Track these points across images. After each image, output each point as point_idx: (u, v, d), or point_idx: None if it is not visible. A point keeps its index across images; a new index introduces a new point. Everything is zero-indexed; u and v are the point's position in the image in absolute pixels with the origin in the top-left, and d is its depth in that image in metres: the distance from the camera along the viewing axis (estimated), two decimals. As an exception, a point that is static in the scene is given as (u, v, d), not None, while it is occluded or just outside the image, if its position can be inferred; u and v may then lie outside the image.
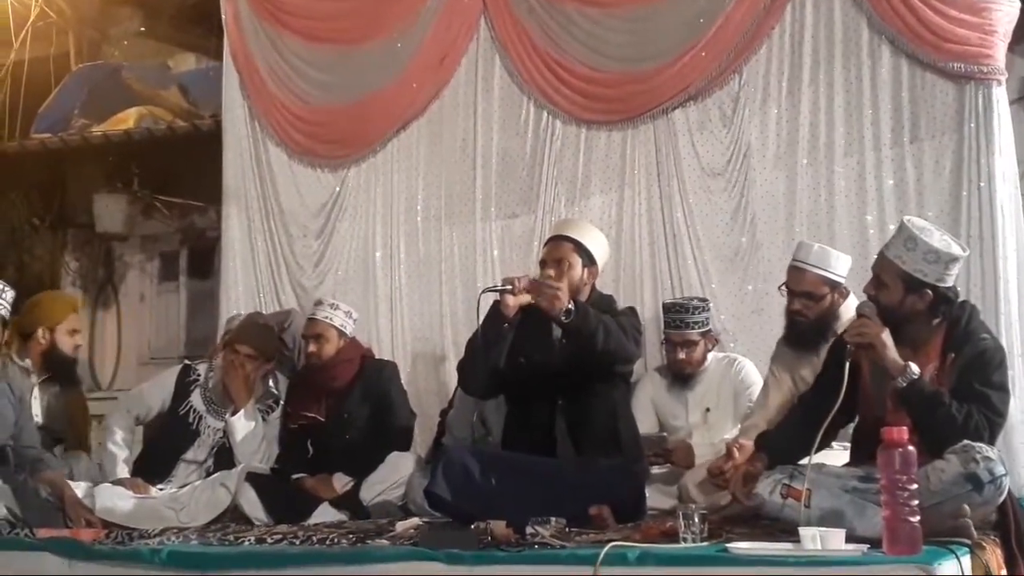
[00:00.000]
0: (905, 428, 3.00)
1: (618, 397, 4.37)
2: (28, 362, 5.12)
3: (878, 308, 3.52)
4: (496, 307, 4.12)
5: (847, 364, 3.44)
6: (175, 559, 3.49)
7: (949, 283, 3.53)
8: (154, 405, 5.12)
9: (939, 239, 3.52)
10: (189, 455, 4.98)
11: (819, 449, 3.47)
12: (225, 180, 6.36)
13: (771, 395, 4.39)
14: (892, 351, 3.43)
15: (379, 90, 6.02)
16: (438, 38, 5.89)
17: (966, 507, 3.19)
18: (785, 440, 3.65)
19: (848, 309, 4.22)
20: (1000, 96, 4.82)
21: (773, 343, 4.58)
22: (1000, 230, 4.73)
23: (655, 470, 4.57)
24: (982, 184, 4.78)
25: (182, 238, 7.99)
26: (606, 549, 3.03)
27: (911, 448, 2.96)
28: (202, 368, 5.17)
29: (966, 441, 3.30)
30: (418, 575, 3.22)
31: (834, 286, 4.26)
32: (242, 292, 6.20)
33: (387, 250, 5.98)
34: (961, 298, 3.67)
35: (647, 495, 4.19)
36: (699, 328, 4.73)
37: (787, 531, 3.24)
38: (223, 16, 6.47)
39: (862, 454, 3.54)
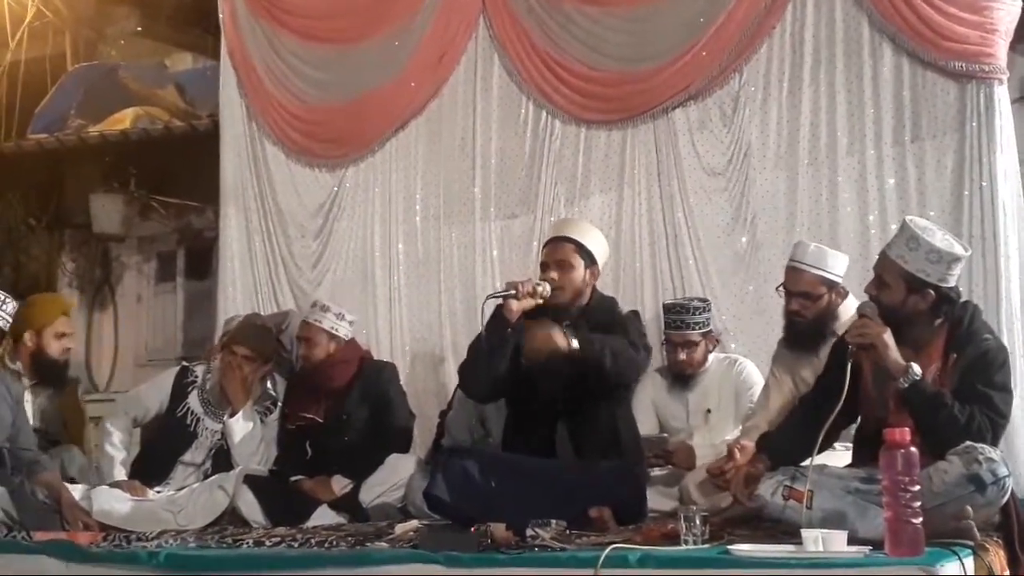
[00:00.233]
0: (907, 429, 2.99)
1: (619, 399, 4.35)
2: (19, 365, 5.09)
3: (880, 308, 3.50)
4: (499, 312, 4.09)
5: (848, 365, 3.42)
6: (173, 562, 3.47)
7: (951, 283, 3.51)
8: (152, 407, 5.11)
9: (941, 239, 3.51)
10: (187, 457, 4.97)
11: (821, 450, 3.46)
12: (223, 180, 6.34)
13: (772, 396, 4.38)
14: (894, 352, 3.41)
15: (377, 89, 6.01)
16: (436, 37, 5.88)
17: (969, 509, 3.17)
18: (787, 441, 3.64)
19: (847, 309, 4.21)
20: (1002, 95, 4.81)
21: (774, 343, 4.56)
22: (1002, 229, 4.72)
23: (656, 472, 4.56)
24: (984, 183, 4.77)
25: (179, 238, 7.97)
26: (607, 551, 3.02)
27: (913, 449, 2.94)
28: (200, 370, 5.15)
29: (968, 442, 3.29)
30: (417, 577, 3.21)
31: (831, 286, 4.25)
32: (240, 293, 6.19)
33: (386, 250, 5.97)
34: (963, 298, 3.65)
35: (648, 497, 4.17)
36: (700, 329, 4.71)
37: (789, 533, 3.23)
38: (220, 15, 6.46)
39: (864, 455, 3.53)
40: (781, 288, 4.32)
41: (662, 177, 5.41)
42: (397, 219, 5.97)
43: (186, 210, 7.76)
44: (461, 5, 5.84)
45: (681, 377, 4.78)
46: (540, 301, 4.12)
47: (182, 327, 7.96)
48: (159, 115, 7.64)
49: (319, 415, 4.99)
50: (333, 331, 4.99)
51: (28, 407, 4.98)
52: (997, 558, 3.23)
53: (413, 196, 5.96)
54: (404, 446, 4.97)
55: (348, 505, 4.67)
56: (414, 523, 4.04)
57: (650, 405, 4.83)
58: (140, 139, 7.52)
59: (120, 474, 4.87)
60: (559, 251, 4.29)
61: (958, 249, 3.52)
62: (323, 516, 4.58)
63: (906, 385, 3.37)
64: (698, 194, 5.33)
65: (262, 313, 5.85)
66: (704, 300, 4.86)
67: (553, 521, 3.65)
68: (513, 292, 4.06)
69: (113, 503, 4.59)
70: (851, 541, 3.01)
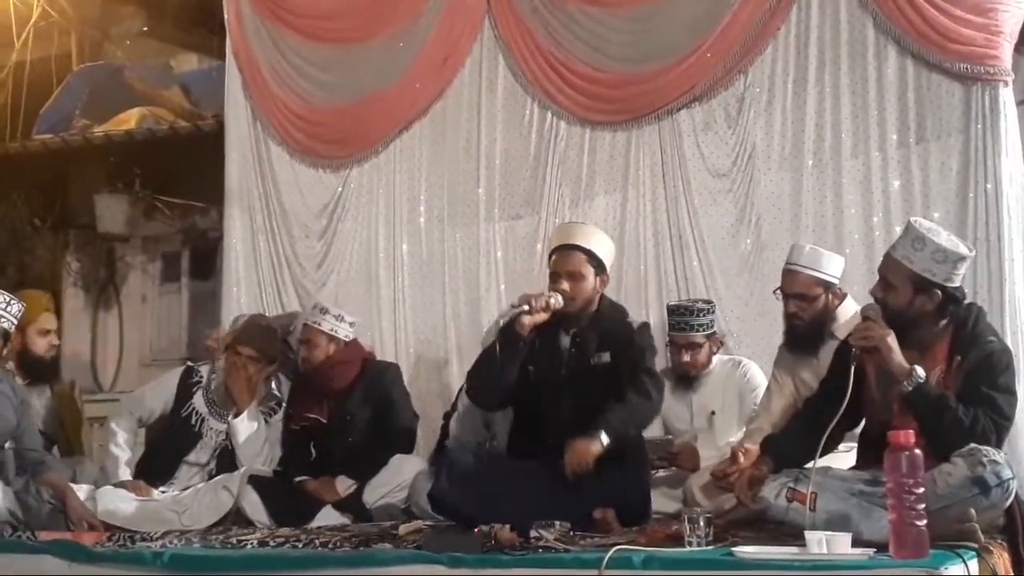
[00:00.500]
0: (912, 432, 2.99)
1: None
2: (11, 365, 5.08)
3: (885, 310, 3.50)
4: (512, 327, 4.03)
5: (852, 368, 3.42)
6: (177, 562, 3.48)
7: (957, 283, 3.51)
8: (156, 407, 5.11)
9: (947, 238, 3.52)
10: (191, 457, 4.97)
11: (824, 453, 3.45)
12: (227, 180, 6.35)
13: (774, 399, 4.39)
14: (898, 355, 3.40)
15: (382, 90, 6.01)
16: (441, 38, 5.88)
17: (973, 511, 3.17)
18: (790, 444, 3.63)
19: (845, 310, 4.23)
20: (1007, 97, 4.80)
21: (778, 345, 4.55)
22: (1007, 232, 4.71)
23: (660, 473, 4.56)
24: (989, 186, 4.77)
25: (184, 239, 7.98)
26: (611, 553, 3.02)
27: (918, 451, 2.94)
28: (205, 370, 5.16)
29: (973, 445, 3.29)
30: (421, 579, 3.21)
31: (827, 286, 4.26)
32: (244, 293, 6.19)
33: (390, 251, 5.97)
34: (968, 300, 3.65)
35: (652, 498, 4.17)
36: (704, 330, 4.71)
37: (793, 535, 3.23)
38: (225, 16, 6.46)
39: (869, 457, 3.53)
40: (778, 291, 4.33)
41: (667, 178, 5.41)
42: (401, 220, 5.97)
43: (191, 210, 7.76)
44: (466, 6, 5.84)
45: (685, 379, 4.78)
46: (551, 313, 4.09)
47: (187, 327, 7.96)
48: (164, 115, 7.65)
49: (322, 415, 4.99)
50: (332, 333, 4.98)
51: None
52: (1001, 560, 3.23)
53: (417, 197, 5.96)
54: (408, 447, 4.97)
55: (352, 506, 4.68)
56: (418, 524, 4.05)
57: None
58: (145, 139, 7.52)
59: (125, 474, 4.88)
60: (570, 261, 4.18)
61: (963, 249, 3.52)
62: (327, 517, 4.58)
63: (910, 388, 3.37)
64: (703, 195, 5.33)
65: (266, 314, 5.86)
66: (708, 302, 4.86)
67: (557, 522, 3.65)
68: (526, 308, 4.01)
69: (118, 503, 4.60)
70: (855, 543, 3.01)
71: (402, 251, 5.94)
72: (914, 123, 4.98)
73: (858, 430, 3.73)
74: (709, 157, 5.33)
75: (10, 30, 7.80)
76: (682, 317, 4.72)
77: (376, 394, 5.00)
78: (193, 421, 5.02)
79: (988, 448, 3.28)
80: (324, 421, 4.98)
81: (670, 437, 4.72)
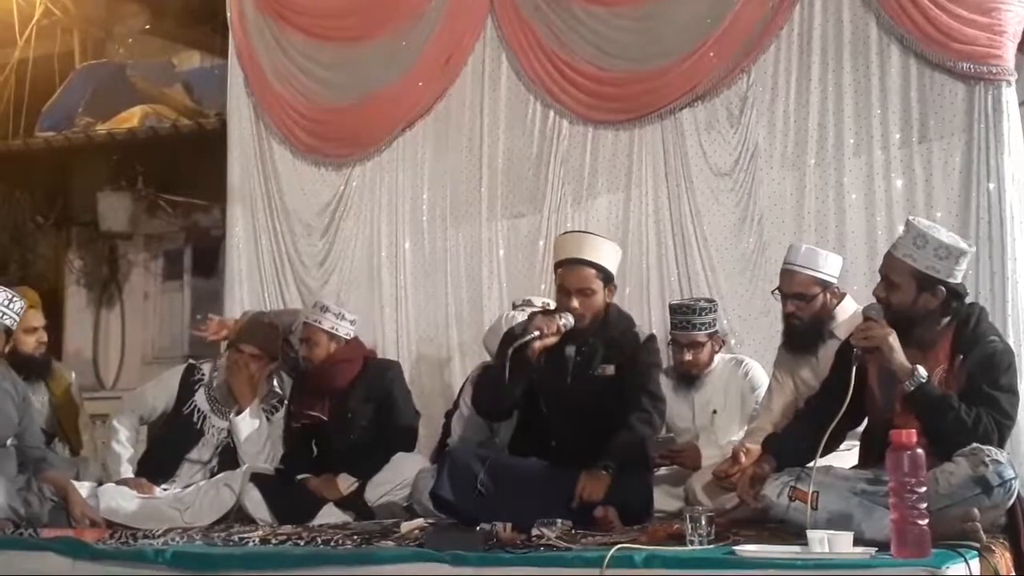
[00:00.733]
0: (914, 431, 2.98)
1: None
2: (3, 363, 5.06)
3: (890, 310, 3.50)
4: (523, 352, 3.96)
5: (854, 368, 3.41)
6: (179, 559, 3.48)
7: (959, 279, 3.52)
8: (158, 405, 5.11)
9: (947, 235, 3.53)
10: (193, 455, 4.97)
11: (827, 452, 3.45)
12: (230, 179, 6.36)
13: (775, 399, 4.38)
14: (899, 354, 3.40)
15: (384, 89, 6.02)
16: (444, 37, 5.89)
17: (975, 511, 3.16)
18: (792, 443, 3.63)
19: (844, 309, 4.23)
20: (1010, 97, 4.81)
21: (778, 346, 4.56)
22: (1009, 231, 4.72)
23: (662, 471, 4.56)
24: (991, 185, 4.77)
25: (186, 236, 7.98)
26: (612, 551, 3.02)
27: (920, 451, 2.94)
28: (206, 368, 5.16)
29: (975, 444, 3.29)
30: (423, 577, 3.21)
31: (825, 286, 4.26)
32: (247, 291, 6.20)
33: (392, 250, 5.98)
34: (970, 299, 3.65)
35: (654, 497, 4.16)
36: (706, 329, 4.70)
37: (795, 534, 3.22)
38: (228, 14, 6.47)
39: (871, 456, 3.52)
40: (777, 292, 4.32)
41: (669, 177, 5.42)
42: (403, 218, 5.97)
43: (193, 208, 7.77)
44: (468, 5, 5.85)
45: (687, 377, 4.77)
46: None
47: (189, 325, 7.96)
48: (167, 114, 7.65)
49: (324, 413, 4.98)
50: (333, 331, 4.97)
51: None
52: (1003, 560, 3.23)
53: (420, 196, 5.96)
54: (409, 445, 4.97)
55: (354, 504, 4.68)
56: (420, 522, 4.05)
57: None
58: (147, 137, 7.53)
59: (127, 472, 4.88)
60: (580, 278, 4.08)
61: (964, 244, 3.53)
62: (329, 515, 4.58)
63: (912, 388, 3.37)
64: (705, 194, 5.33)
65: (270, 310, 5.86)
66: (710, 301, 4.85)
67: (559, 521, 3.65)
68: (537, 334, 3.97)
69: (120, 501, 4.60)
70: (857, 542, 3.01)
71: (404, 249, 5.94)
72: (917, 122, 4.98)
73: (860, 429, 3.72)
74: (712, 156, 5.34)
75: (13, 28, 7.80)
76: (684, 316, 4.71)
77: (377, 392, 4.99)
78: (195, 419, 5.02)
79: (990, 448, 3.28)
80: (325, 419, 4.97)
81: (672, 435, 4.72)
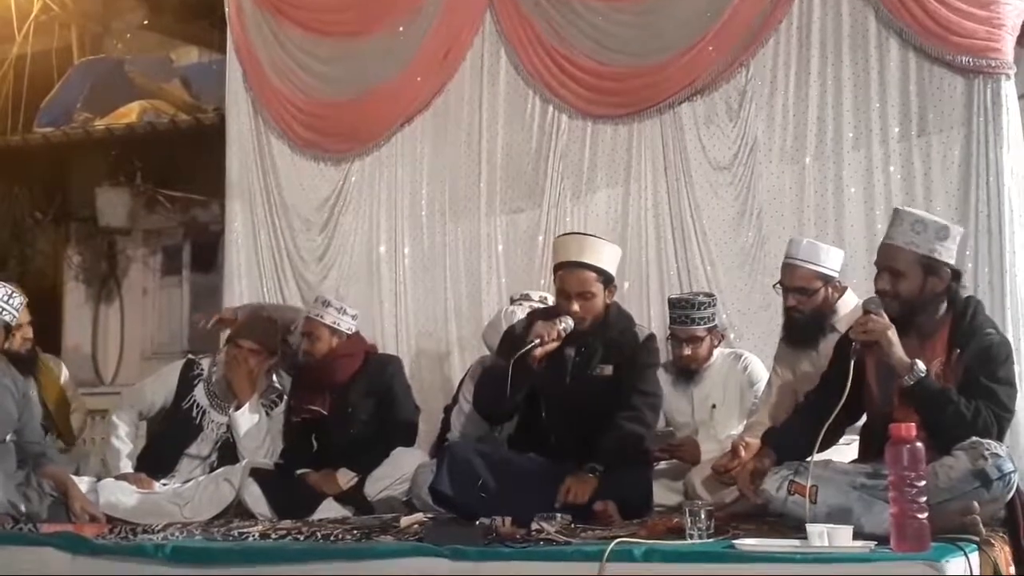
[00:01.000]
0: (913, 425, 2.98)
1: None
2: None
3: (897, 300, 3.49)
4: (525, 360, 3.96)
5: (852, 362, 3.41)
6: (179, 554, 3.47)
7: (954, 260, 3.54)
8: (157, 400, 5.11)
9: (939, 217, 3.59)
10: (193, 450, 4.97)
11: (825, 447, 3.47)
12: (228, 174, 6.35)
13: (775, 393, 4.37)
14: (898, 348, 3.40)
15: (383, 84, 6.01)
16: (442, 31, 5.88)
17: (975, 504, 3.16)
18: (791, 437, 3.63)
19: (845, 303, 4.22)
20: (1009, 90, 4.80)
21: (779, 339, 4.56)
22: (1008, 225, 4.72)
23: (661, 465, 4.56)
24: (990, 179, 4.78)
25: (185, 232, 7.98)
26: (612, 545, 3.02)
27: (919, 444, 2.94)
28: (205, 363, 5.16)
29: (974, 438, 3.29)
30: (423, 573, 3.20)
31: (827, 280, 4.25)
32: (245, 286, 6.20)
33: (391, 245, 5.98)
34: (967, 293, 3.66)
35: (653, 491, 4.16)
36: (705, 324, 4.70)
37: (794, 528, 3.23)
38: (226, 9, 6.47)
39: (870, 450, 3.53)
40: (778, 285, 4.32)
41: (668, 172, 5.41)
42: (402, 213, 5.97)
43: (192, 204, 7.76)
44: (466, 0, 5.84)
45: (686, 372, 4.77)
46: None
47: (187, 320, 7.96)
48: (165, 109, 7.64)
49: (324, 408, 4.98)
50: (335, 326, 4.98)
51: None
52: (1003, 553, 3.23)
53: (419, 190, 5.96)
54: (409, 440, 4.97)
55: (353, 498, 4.68)
56: (419, 516, 4.05)
57: (656, 400, 4.82)
58: (146, 133, 7.52)
59: (126, 467, 4.88)
60: (580, 281, 4.08)
61: (954, 225, 3.59)
62: (328, 509, 4.58)
63: (911, 382, 3.37)
64: (704, 189, 5.33)
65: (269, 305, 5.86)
66: (709, 295, 4.85)
67: (558, 515, 3.66)
68: (538, 342, 3.97)
69: (119, 496, 4.61)
70: (856, 536, 3.01)
71: (403, 244, 5.94)
72: (916, 116, 4.98)
73: (859, 424, 3.72)
74: (711, 150, 5.34)
75: (11, 24, 7.80)
76: (683, 310, 4.71)
77: (378, 387, 5.00)
78: (194, 414, 5.02)
79: (990, 441, 3.28)
80: (325, 414, 4.97)
81: (671, 430, 4.73)
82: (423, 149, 5.97)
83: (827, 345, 4.02)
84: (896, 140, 5.01)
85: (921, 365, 3.36)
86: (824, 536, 2.97)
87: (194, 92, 7.78)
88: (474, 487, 3.92)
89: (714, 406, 4.72)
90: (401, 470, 4.64)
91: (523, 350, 3.95)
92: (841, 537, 2.97)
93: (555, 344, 4.01)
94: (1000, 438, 3.37)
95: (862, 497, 3.28)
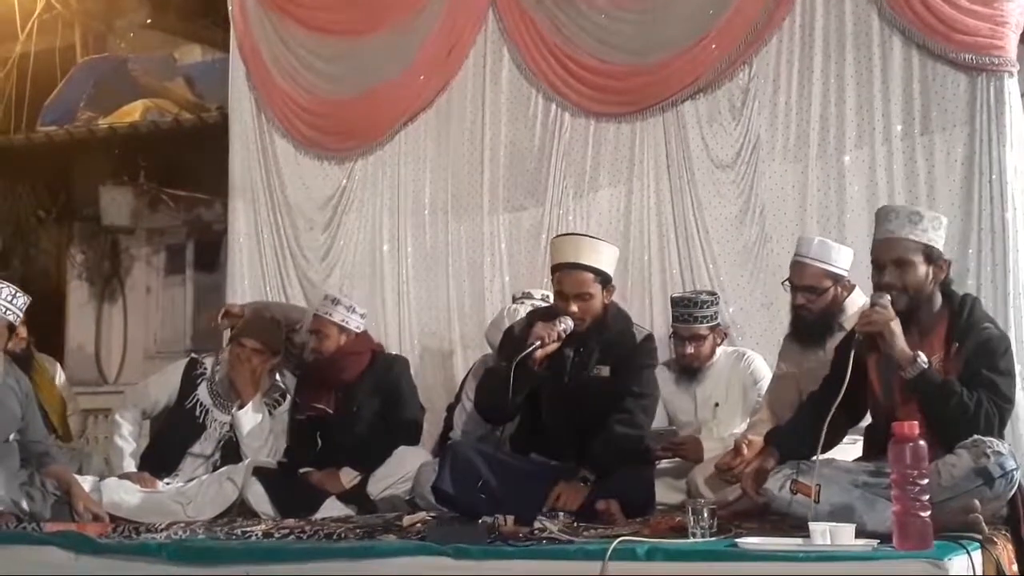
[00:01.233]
0: (916, 423, 2.98)
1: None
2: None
3: (905, 293, 3.49)
4: (526, 363, 3.96)
5: (852, 354, 3.41)
6: (182, 553, 3.47)
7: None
8: (160, 399, 5.11)
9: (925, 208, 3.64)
10: (196, 449, 4.97)
11: (828, 446, 3.46)
12: (231, 173, 6.35)
13: (779, 391, 4.36)
14: (901, 340, 3.40)
15: (386, 82, 6.01)
16: (445, 30, 5.88)
17: (977, 503, 3.16)
18: (794, 437, 3.62)
19: (853, 302, 4.21)
20: (1012, 88, 4.80)
21: (782, 337, 4.55)
22: (1011, 223, 4.72)
23: (664, 464, 4.56)
24: (994, 176, 4.77)
25: (188, 231, 7.99)
26: (614, 544, 3.02)
27: (922, 443, 2.94)
28: (208, 362, 5.16)
29: (976, 436, 3.29)
30: (426, 571, 3.20)
31: (837, 279, 4.24)
32: (248, 285, 6.20)
33: (394, 243, 5.98)
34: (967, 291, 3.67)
35: (656, 490, 4.16)
36: (707, 322, 4.69)
37: (797, 526, 3.22)
38: (229, 7, 6.47)
39: (873, 448, 3.52)
40: (787, 283, 4.31)
41: (671, 170, 5.41)
42: (405, 212, 5.97)
43: (195, 202, 7.77)
44: (470, -2, 5.85)
45: (689, 370, 4.77)
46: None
47: (191, 319, 7.97)
48: (168, 108, 7.65)
49: (329, 407, 4.99)
50: (344, 324, 4.99)
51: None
52: (1005, 552, 3.23)
53: (421, 189, 5.96)
54: (413, 440, 4.97)
55: (356, 497, 4.68)
56: (422, 515, 4.04)
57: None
58: (149, 131, 7.54)
59: (129, 466, 4.89)
60: (578, 283, 4.07)
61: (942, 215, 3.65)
62: (331, 508, 4.58)
63: (914, 374, 3.37)
64: (707, 187, 5.33)
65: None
66: (712, 293, 4.85)
67: (561, 513, 3.66)
68: (538, 344, 3.97)
69: (123, 495, 4.61)
70: (859, 534, 3.00)
71: (406, 243, 5.94)
72: (919, 114, 4.98)
73: (863, 424, 3.72)
74: (713, 148, 5.33)
75: (14, 23, 7.81)
76: (686, 309, 4.70)
77: (384, 386, 5.00)
78: (197, 413, 5.02)
79: (992, 439, 3.29)
80: (331, 412, 4.98)
81: (674, 428, 4.72)
82: (426, 148, 5.97)
83: (834, 344, 4.00)
84: (899, 138, 5.01)
85: (923, 357, 3.37)
86: (827, 534, 2.96)
87: (197, 91, 7.79)
88: (476, 486, 3.92)
89: (717, 405, 4.72)
90: (404, 469, 4.64)
91: (524, 353, 3.95)
92: (844, 535, 2.97)
93: (555, 345, 4.02)
94: (1002, 427, 3.38)
95: (864, 495, 3.29)
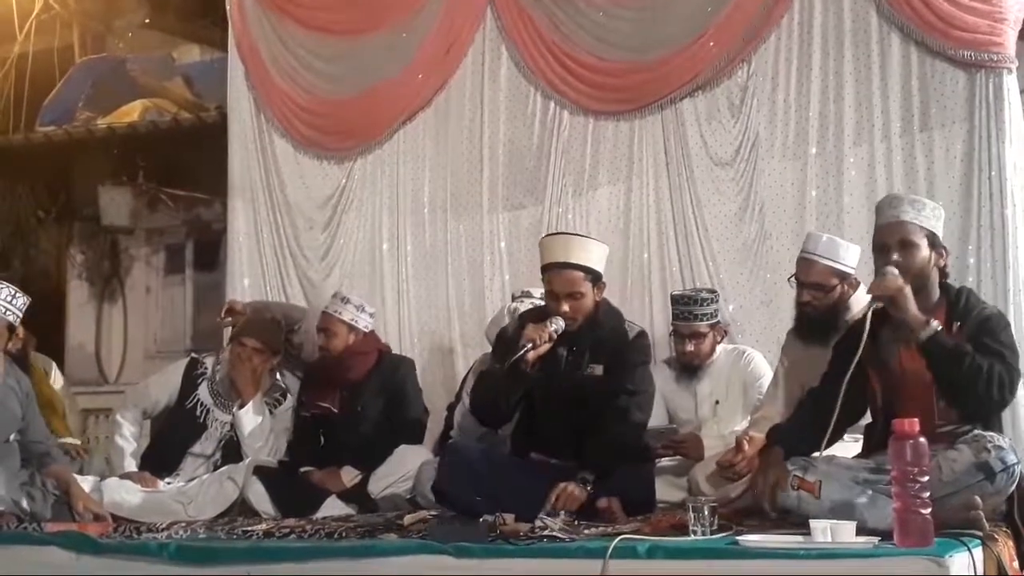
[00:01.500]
0: (916, 420, 2.98)
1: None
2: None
3: (909, 274, 3.50)
4: (519, 365, 3.96)
5: (869, 314, 3.43)
6: (183, 553, 3.47)
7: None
8: (161, 399, 5.11)
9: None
10: (196, 448, 4.97)
11: (828, 444, 3.46)
12: (231, 172, 6.35)
13: (781, 387, 4.36)
14: (913, 305, 3.42)
15: (385, 81, 6.01)
16: (444, 28, 5.88)
17: (977, 499, 3.17)
18: (795, 434, 3.62)
19: (858, 300, 4.20)
20: (1011, 85, 4.80)
21: (782, 334, 4.56)
22: (1011, 220, 4.72)
23: (665, 462, 4.56)
24: (993, 173, 4.77)
25: (188, 230, 7.99)
26: (615, 542, 3.02)
27: (922, 440, 2.94)
28: (209, 361, 5.16)
29: (977, 431, 3.31)
30: (427, 571, 3.20)
31: (843, 277, 4.22)
32: (248, 285, 6.20)
33: (394, 242, 5.97)
34: (969, 286, 3.69)
35: (657, 487, 4.16)
36: (708, 320, 4.69)
37: (797, 523, 3.22)
38: (227, 7, 6.46)
39: (873, 445, 3.53)
40: (793, 279, 4.30)
41: (670, 168, 5.41)
42: (405, 211, 5.97)
43: (194, 202, 7.77)
44: (468, -4, 5.84)
45: (689, 368, 4.77)
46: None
47: (191, 319, 7.97)
48: (167, 107, 7.65)
49: (334, 405, 4.99)
50: (353, 323, 5.00)
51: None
52: (1006, 548, 3.22)
53: (421, 188, 5.96)
54: (416, 441, 4.96)
55: (357, 496, 4.68)
56: (423, 514, 4.04)
57: (658, 396, 4.80)
58: (148, 131, 7.53)
59: (130, 466, 4.89)
60: (568, 282, 4.06)
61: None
62: (332, 507, 4.58)
63: (927, 336, 3.38)
64: (706, 185, 5.32)
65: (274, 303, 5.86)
66: (712, 291, 4.84)
67: (562, 512, 3.66)
68: (531, 346, 3.96)
69: (123, 494, 4.61)
70: (860, 531, 3.00)
71: (406, 242, 5.94)
72: (918, 111, 4.98)
73: (863, 422, 3.72)
74: (712, 146, 5.33)
75: (12, 23, 7.80)
76: (686, 307, 4.70)
77: (390, 387, 5.00)
78: (198, 412, 5.02)
79: (992, 434, 3.31)
80: (335, 411, 4.98)
81: (674, 426, 4.72)
82: (425, 146, 5.97)
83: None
84: (898, 135, 5.00)
85: (935, 322, 3.39)
86: (828, 532, 2.97)
87: (196, 90, 7.79)
88: (475, 486, 3.92)
89: (717, 402, 4.72)
90: (405, 468, 4.64)
91: (516, 356, 3.94)
92: (844, 533, 2.97)
93: (547, 346, 4.01)
94: (1012, 394, 3.40)
95: (866, 492, 3.28)
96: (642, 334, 4.26)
